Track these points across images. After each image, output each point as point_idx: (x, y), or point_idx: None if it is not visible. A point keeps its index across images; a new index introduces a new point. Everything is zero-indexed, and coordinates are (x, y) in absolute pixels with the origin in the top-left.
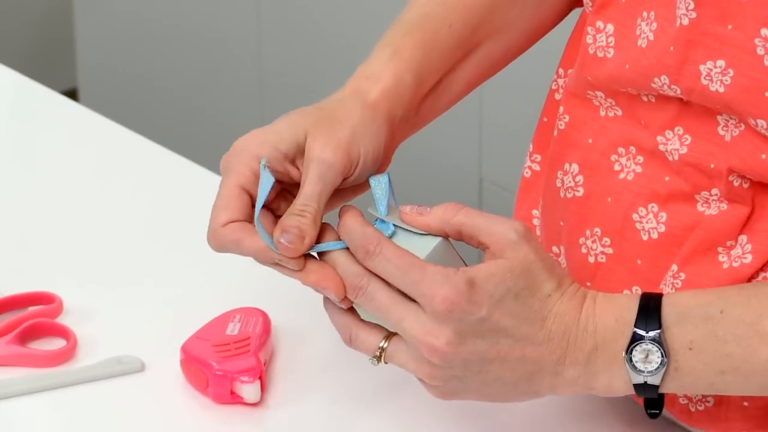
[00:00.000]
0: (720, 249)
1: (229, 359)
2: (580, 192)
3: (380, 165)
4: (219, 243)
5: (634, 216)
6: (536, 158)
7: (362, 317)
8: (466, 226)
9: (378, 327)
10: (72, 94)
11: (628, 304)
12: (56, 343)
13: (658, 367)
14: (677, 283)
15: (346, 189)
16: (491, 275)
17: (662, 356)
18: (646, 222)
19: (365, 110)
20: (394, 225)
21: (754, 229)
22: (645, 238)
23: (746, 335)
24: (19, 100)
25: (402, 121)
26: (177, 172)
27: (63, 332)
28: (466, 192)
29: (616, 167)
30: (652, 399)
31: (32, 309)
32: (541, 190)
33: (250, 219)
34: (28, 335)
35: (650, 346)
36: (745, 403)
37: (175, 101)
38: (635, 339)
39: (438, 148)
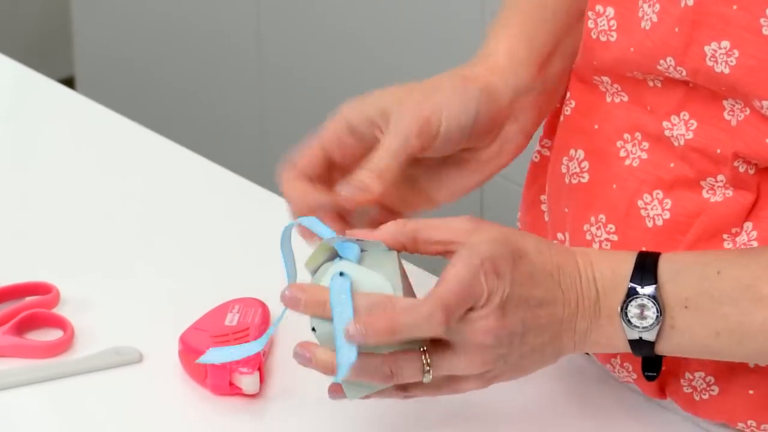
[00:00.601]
0: (725, 236)
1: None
2: (585, 178)
3: (489, 138)
4: (286, 192)
5: (639, 203)
6: (546, 143)
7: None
8: (421, 230)
9: (408, 350)
10: (69, 82)
11: (624, 257)
12: (53, 334)
13: (653, 323)
14: None
15: (454, 166)
16: (489, 247)
17: (657, 312)
18: (651, 209)
19: (457, 81)
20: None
21: (759, 216)
22: (650, 225)
23: (742, 297)
24: (15, 89)
25: (521, 94)
26: (175, 161)
27: (60, 323)
28: None
29: (622, 153)
30: (649, 361)
31: (29, 299)
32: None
33: (316, 171)
34: (25, 326)
35: (645, 301)
36: (751, 392)
37: (173, 90)
38: (630, 294)
39: None
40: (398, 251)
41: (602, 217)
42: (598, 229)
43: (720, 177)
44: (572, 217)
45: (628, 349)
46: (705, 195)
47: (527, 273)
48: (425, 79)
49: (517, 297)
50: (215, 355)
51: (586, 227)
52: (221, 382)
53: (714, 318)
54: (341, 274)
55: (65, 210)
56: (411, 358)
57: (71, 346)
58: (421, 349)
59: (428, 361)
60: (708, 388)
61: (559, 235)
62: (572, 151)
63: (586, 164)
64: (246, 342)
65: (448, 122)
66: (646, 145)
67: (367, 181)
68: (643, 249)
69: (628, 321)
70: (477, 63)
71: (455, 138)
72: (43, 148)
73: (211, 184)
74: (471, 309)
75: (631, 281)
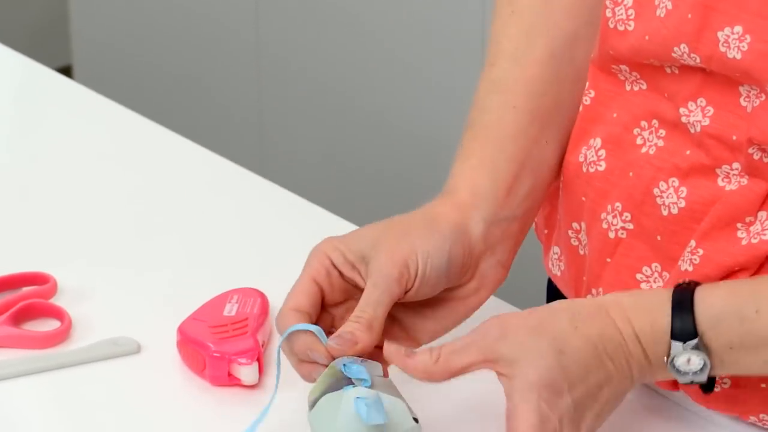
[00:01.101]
0: (739, 225)
1: (227, 340)
2: (602, 166)
3: (468, 274)
4: (279, 321)
5: (655, 190)
6: None
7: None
8: (451, 360)
9: None
10: (67, 71)
11: (659, 306)
12: (50, 325)
13: (701, 368)
14: (695, 259)
15: (435, 306)
16: (532, 356)
17: (704, 360)
18: (667, 197)
19: (427, 223)
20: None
21: None
22: (665, 213)
23: None
24: (13, 78)
25: (491, 225)
26: (173, 151)
27: (57, 313)
28: None
29: (639, 141)
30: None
31: (26, 289)
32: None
33: (315, 307)
34: (22, 316)
35: (690, 353)
36: (763, 385)
37: (171, 79)
38: (673, 350)
39: (442, 129)
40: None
41: (618, 205)
42: (614, 217)
43: (735, 165)
44: (589, 205)
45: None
46: (720, 183)
47: (576, 364)
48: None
49: (580, 398)
50: None
51: (603, 216)
52: (220, 372)
53: (762, 352)
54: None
55: (62, 199)
56: None
57: (69, 336)
58: None
59: None
60: (720, 382)
61: (575, 224)
62: (591, 140)
63: (603, 152)
64: (245, 334)
65: (424, 269)
66: (662, 132)
67: (357, 333)
68: (659, 238)
69: (677, 370)
70: (443, 201)
71: (432, 280)
72: (40, 138)
73: (210, 174)
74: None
75: (672, 338)
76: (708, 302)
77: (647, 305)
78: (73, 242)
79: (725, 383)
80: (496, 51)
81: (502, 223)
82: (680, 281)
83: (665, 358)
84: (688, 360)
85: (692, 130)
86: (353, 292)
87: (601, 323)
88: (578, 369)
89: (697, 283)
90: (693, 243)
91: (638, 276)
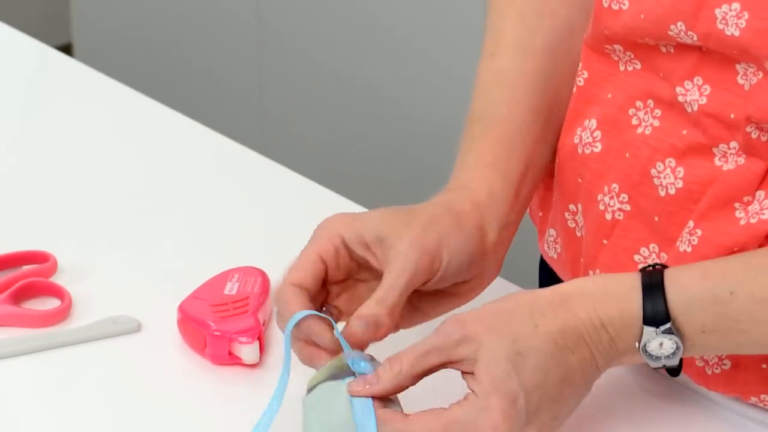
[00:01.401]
0: (737, 205)
1: (228, 319)
2: (598, 148)
3: (476, 273)
4: (279, 296)
5: (652, 171)
6: None
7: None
8: (415, 365)
9: None
10: (67, 49)
11: (627, 293)
12: (50, 303)
13: (674, 352)
14: (693, 240)
15: (430, 300)
16: (489, 370)
17: (676, 344)
18: (664, 177)
19: (453, 220)
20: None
21: None
22: (662, 194)
23: (758, 312)
24: (13, 56)
25: (502, 228)
26: (173, 128)
27: (57, 292)
28: None
29: (634, 121)
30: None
31: (26, 268)
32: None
33: (317, 284)
34: (22, 295)
35: (662, 337)
36: (764, 365)
37: (171, 57)
38: (645, 335)
39: (443, 109)
40: None
41: (615, 186)
42: (611, 198)
43: (733, 143)
44: (586, 187)
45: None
46: (717, 163)
47: (533, 369)
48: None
49: (537, 403)
50: None
51: (599, 197)
52: (221, 351)
53: (734, 334)
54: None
55: (62, 178)
56: None
57: (69, 315)
58: None
59: None
60: (720, 363)
61: (571, 206)
62: (586, 122)
63: (598, 133)
64: (245, 313)
65: (447, 264)
66: (658, 112)
67: (383, 318)
68: (656, 219)
69: (649, 355)
70: (462, 197)
71: (450, 276)
72: (40, 116)
73: (210, 152)
74: None
75: (644, 323)
76: (680, 285)
77: (615, 292)
78: (73, 221)
79: (725, 365)
80: (497, 40)
81: (510, 226)
82: (646, 265)
83: (637, 343)
84: (661, 344)
85: (689, 110)
86: (356, 271)
87: (563, 317)
88: (535, 373)
89: (664, 266)
90: (691, 223)
91: (636, 257)
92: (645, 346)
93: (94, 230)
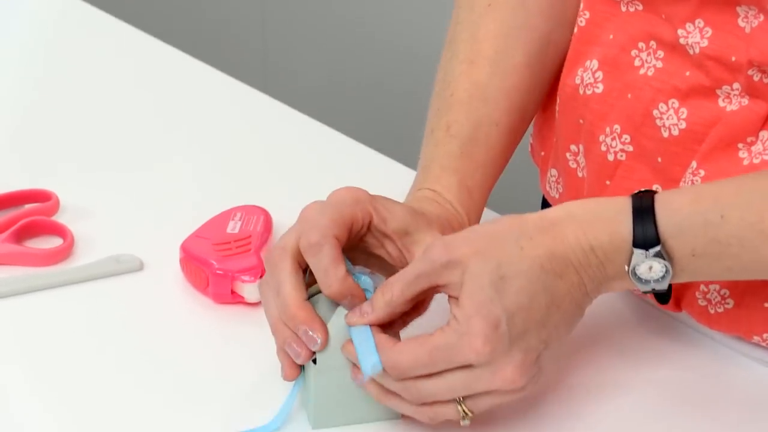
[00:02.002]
0: (740, 145)
1: (230, 258)
2: (600, 88)
3: None
4: (276, 258)
5: (655, 112)
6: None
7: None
8: (405, 292)
9: (447, 404)
10: None
11: (617, 216)
12: (53, 242)
13: (663, 275)
14: (697, 181)
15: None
16: (472, 294)
17: (666, 267)
18: (667, 118)
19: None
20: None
21: None
22: (665, 134)
23: (749, 236)
24: None
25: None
26: (176, 67)
27: (59, 230)
28: None
29: (636, 62)
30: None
31: (28, 207)
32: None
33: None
34: (24, 233)
35: (652, 260)
36: (766, 304)
37: None
38: (635, 257)
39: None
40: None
41: (617, 127)
42: (613, 140)
43: (735, 85)
44: (587, 128)
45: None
46: (721, 104)
47: (517, 292)
48: None
49: (522, 325)
50: None
51: (601, 138)
52: (223, 290)
53: (724, 259)
54: None
55: (65, 116)
56: (448, 407)
57: (71, 254)
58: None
59: (463, 406)
60: (723, 302)
61: (573, 147)
62: (587, 62)
63: (600, 74)
64: (248, 252)
65: None
66: (661, 53)
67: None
68: (659, 160)
69: (638, 278)
70: (452, 218)
71: None
72: (45, 57)
73: (213, 91)
74: (488, 364)
75: (633, 245)
76: (671, 209)
77: (604, 216)
78: (75, 159)
79: (728, 304)
80: (476, 48)
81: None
82: (636, 190)
83: (626, 267)
84: (650, 268)
85: (691, 52)
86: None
87: (551, 240)
88: (519, 296)
89: (654, 192)
90: (694, 164)
91: None
92: (634, 269)
93: (97, 169)
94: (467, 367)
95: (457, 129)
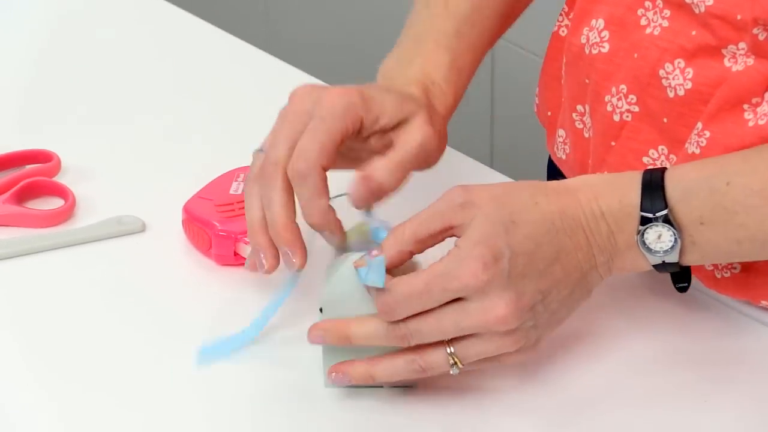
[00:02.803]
0: (746, 106)
1: (233, 219)
2: (606, 48)
3: None
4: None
5: (661, 72)
6: (570, 15)
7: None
8: (418, 231)
9: (433, 343)
10: None
11: (629, 183)
12: (54, 203)
13: (672, 245)
14: (702, 142)
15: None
16: (480, 227)
17: (674, 235)
18: (673, 78)
19: (440, 124)
20: None
21: None
22: (671, 95)
23: (756, 204)
24: None
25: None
26: (180, 27)
27: (61, 191)
28: None
29: (643, 22)
30: (678, 272)
31: (29, 167)
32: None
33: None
34: (25, 194)
35: (660, 227)
36: None
37: None
38: (644, 221)
39: None
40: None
41: (623, 87)
42: (619, 99)
43: (741, 44)
44: (593, 88)
45: (653, 269)
46: (727, 63)
47: (524, 236)
48: None
49: (523, 268)
50: (211, 353)
51: (607, 98)
52: (226, 252)
53: (732, 228)
54: None
55: (65, 77)
56: (433, 348)
57: (72, 215)
58: (446, 341)
59: (453, 351)
60: (731, 266)
61: (579, 107)
62: (593, 21)
63: (606, 34)
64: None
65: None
66: (667, 12)
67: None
68: (665, 120)
69: (648, 248)
70: (437, 95)
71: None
72: (41, 14)
73: (217, 51)
74: (481, 297)
75: (641, 210)
76: (677, 176)
77: (616, 183)
78: (76, 120)
79: (735, 269)
80: None
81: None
82: (641, 151)
83: (635, 236)
84: (659, 236)
85: (696, 11)
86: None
87: (565, 202)
88: (525, 240)
89: (665, 168)
90: (700, 125)
91: (644, 159)
92: (643, 237)
93: (99, 129)
94: (460, 301)
95: (455, 7)
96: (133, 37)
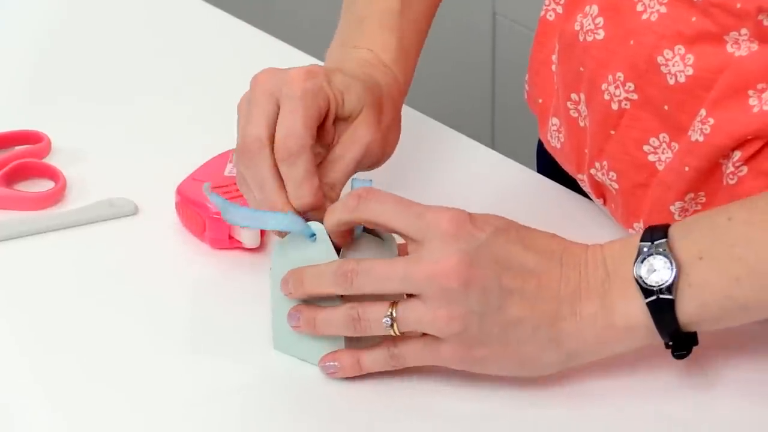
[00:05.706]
0: (750, 92)
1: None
2: (601, 35)
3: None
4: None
5: (659, 59)
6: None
7: None
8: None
9: (379, 302)
10: None
11: (635, 237)
12: (44, 185)
13: (668, 279)
14: (706, 129)
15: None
16: (488, 215)
17: (671, 266)
18: (673, 65)
19: (395, 110)
20: None
21: None
22: (671, 82)
23: (754, 236)
24: None
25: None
26: (174, 6)
27: (51, 173)
28: (478, 28)
29: (639, 8)
30: (678, 338)
31: (18, 149)
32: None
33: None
34: (15, 176)
35: (656, 257)
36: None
37: None
38: (641, 253)
39: None
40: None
41: (620, 75)
42: (616, 88)
43: (744, 30)
44: (588, 76)
45: (648, 322)
46: (729, 49)
47: (519, 236)
48: None
49: (496, 250)
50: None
51: (603, 86)
52: (220, 235)
53: (730, 263)
54: None
55: (56, 56)
56: (377, 305)
57: (63, 197)
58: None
59: (393, 311)
60: None
61: (573, 96)
62: (587, 7)
63: (600, 20)
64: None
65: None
66: None
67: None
68: (666, 108)
69: (644, 282)
70: (387, 78)
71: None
72: None
73: (211, 29)
74: (440, 247)
75: (640, 241)
76: (681, 222)
77: (624, 239)
78: (67, 100)
79: None
80: None
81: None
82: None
83: (632, 271)
84: (655, 270)
85: None
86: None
87: (573, 244)
88: (519, 237)
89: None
90: (703, 112)
91: (645, 147)
92: (640, 269)
93: (90, 110)
94: (412, 257)
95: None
96: (126, 17)
